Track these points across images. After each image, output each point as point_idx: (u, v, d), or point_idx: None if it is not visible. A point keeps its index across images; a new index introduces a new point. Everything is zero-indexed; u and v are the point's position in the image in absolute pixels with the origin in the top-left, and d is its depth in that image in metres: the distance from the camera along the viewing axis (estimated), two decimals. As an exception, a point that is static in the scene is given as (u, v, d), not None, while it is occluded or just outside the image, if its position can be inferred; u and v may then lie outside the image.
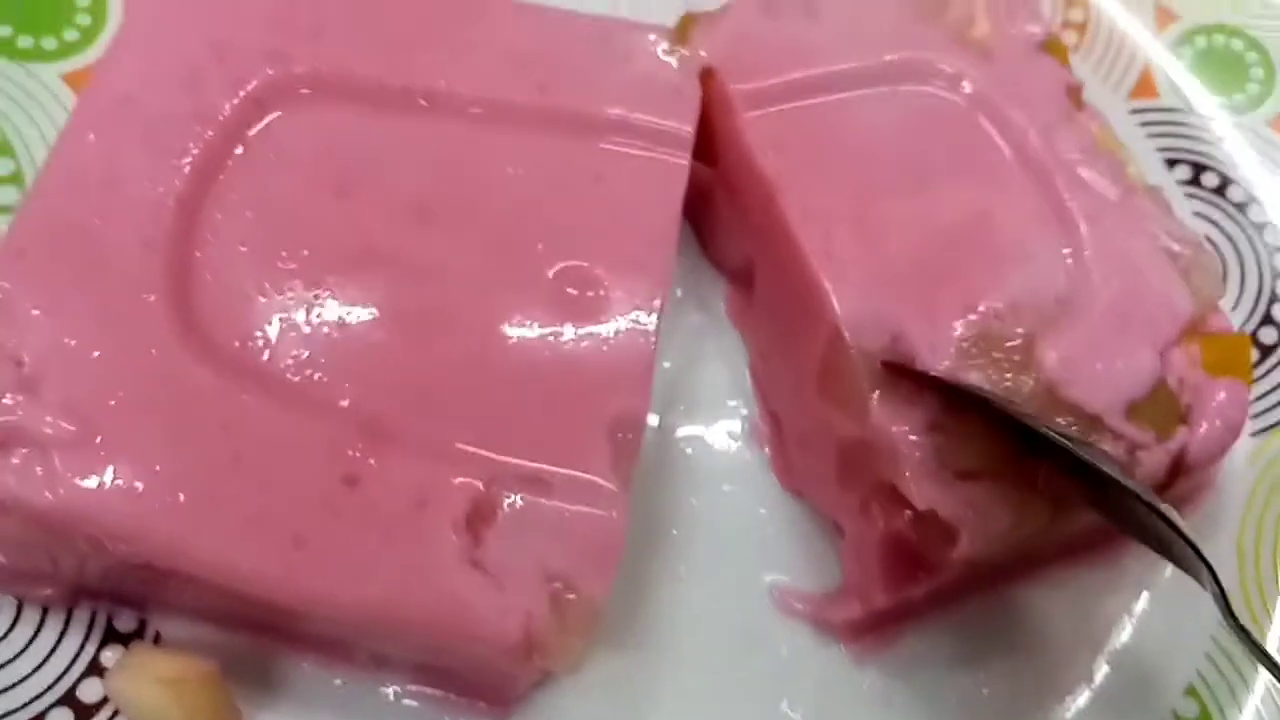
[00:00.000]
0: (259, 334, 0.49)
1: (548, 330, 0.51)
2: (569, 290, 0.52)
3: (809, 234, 0.55)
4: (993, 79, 0.60)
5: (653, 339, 0.51)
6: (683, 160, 0.56)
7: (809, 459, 0.58)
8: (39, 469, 0.45)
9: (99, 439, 0.46)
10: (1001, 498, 0.51)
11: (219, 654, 0.51)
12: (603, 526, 0.47)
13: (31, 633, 0.52)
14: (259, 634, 0.52)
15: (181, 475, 0.46)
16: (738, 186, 0.59)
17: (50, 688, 0.51)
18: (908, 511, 0.52)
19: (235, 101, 0.53)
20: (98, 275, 0.49)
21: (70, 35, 0.63)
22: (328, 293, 0.50)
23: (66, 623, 0.52)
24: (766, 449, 0.60)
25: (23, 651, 0.51)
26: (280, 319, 0.49)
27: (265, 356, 0.49)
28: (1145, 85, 0.71)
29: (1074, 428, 0.52)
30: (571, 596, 0.46)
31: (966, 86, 0.60)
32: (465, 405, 0.49)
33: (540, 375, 0.50)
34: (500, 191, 0.54)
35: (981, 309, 0.54)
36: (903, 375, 0.51)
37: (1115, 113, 0.69)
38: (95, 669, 0.51)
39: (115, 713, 0.51)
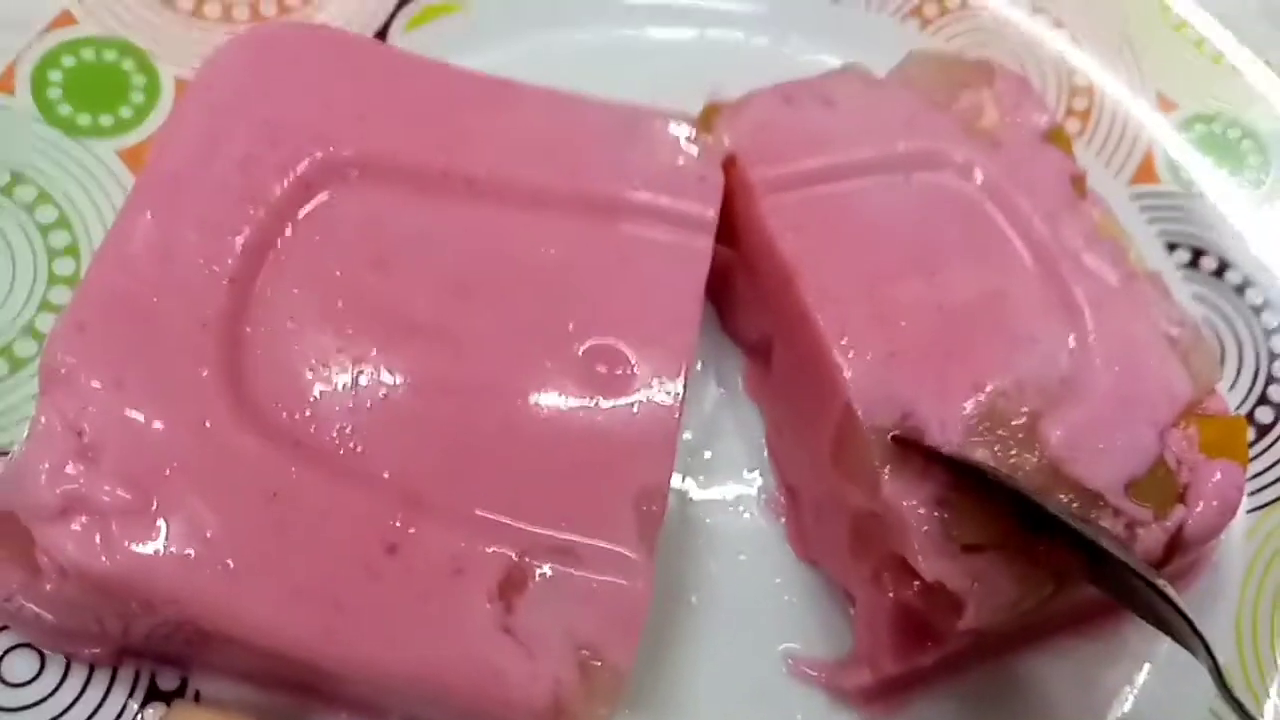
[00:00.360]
0: (306, 406, 0.51)
1: (577, 405, 0.53)
2: (598, 368, 0.54)
3: (825, 314, 0.57)
4: (1000, 167, 0.62)
5: (676, 415, 0.54)
6: (705, 244, 0.58)
7: (823, 529, 0.60)
8: (97, 536, 0.47)
9: (154, 507, 0.48)
10: (1006, 570, 0.52)
11: (257, 713, 0.53)
12: (628, 596, 0.50)
13: (79, 689, 0.54)
14: (296, 694, 0.54)
15: (231, 542, 0.48)
16: (757, 267, 0.62)
17: None
18: (916, 582, 0.53)
19: (286, 183, 0.56)
20: (154, 350, 0.51)
21: (125, 112, 0.66)
22: (370, 367, 0.53)
23: (111, 680, 0.54)
24: (782, 519, 0.62)
25: (70, 708, 0.53)
26: (326, 392, 0.52)
27: (312, 428, 0.51)
28: (1146, 170, 0.73)
29: (1075, 504, 0.54)
30: (598, 664, 0.48)
31: (976, 175, 0.62)
32: (499, 477, 0.51)
33: (570, 448, 0.53)
34: (534, 271, 0.56)
35: (989, 388, 0.56)
36: (913, 450, 0.54)
37: (1117, 197, 0.72)
38: (139, 726, 0.54)
39: None
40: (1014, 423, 0.56)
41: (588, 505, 0.51)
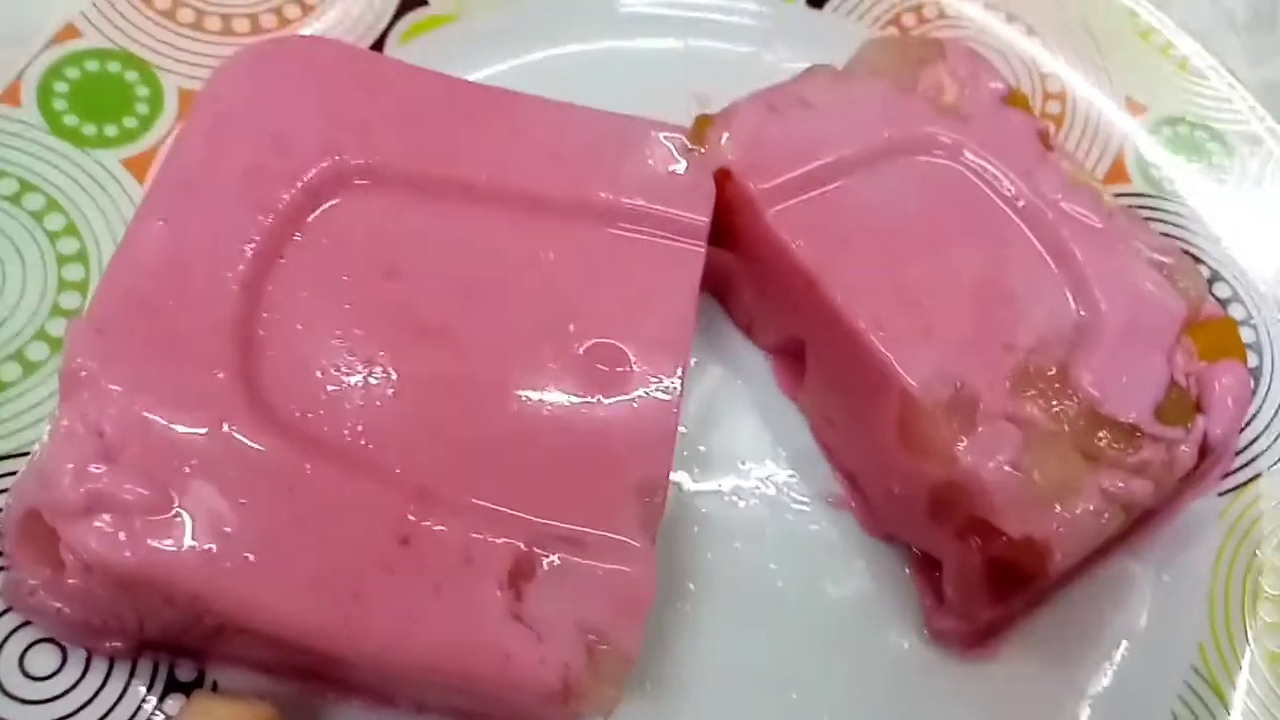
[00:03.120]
0: (319, 405, 0.53)
1: (580, 402, 0.55)
2: (598, 365, 0.56)
3: (857, 312, 0.60)
4: (974, 138, 0.66)
5: (675, 409, 0.56)
6: (699, 248, 0.60)
7: (896, 506, 0.63)
8: (120, 533, 0.48)
9: (175, 504, 0.49)
10: (1085, 516, 0.56)
11: (273, 701, 0.54)
12: (633, 583, 0.51)
13: (100, 682, 0.55)
14: (311, 683, 0.56)
15: (250, 537, 0.49)
16: (771, 275, 0.64)
17: None
18: (1004, 537, 0.57)
19: (294, 191, 0.57)
20: (170, 353, 0.52)
21: (129, 123, 0.67)
22: (379, 367, 0.54)
23: (131, 673, 0.55)
24: (851, 505, 0.65)
25: (92, 699, 0.55)
26: (337, 391, 0.53)
27: (325, 426, 0.52)
28: (1118, 171, 0.76)
29: (1115, 442, 0.58)
30: (605, 648, 0.50)
31: (955, 149, 0.66)
32: (506, 470, 0.53)
33: (573, 443, 0.54)
34: (534, 274, 0.58)
35: (1019, 347, 0.60)
36: None
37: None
38: (159, 715, 0.55)
39: None
40: (1049, 373, 0.59)
41: (592, 497, 0.53)
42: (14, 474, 0.57)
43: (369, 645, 0.49)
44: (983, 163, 0.65)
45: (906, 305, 0.60)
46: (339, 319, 0.55)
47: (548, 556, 0.51)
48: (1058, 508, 0.56)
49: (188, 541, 0.49)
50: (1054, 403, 0.58)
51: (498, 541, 0.51)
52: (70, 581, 0.50)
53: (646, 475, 0.54)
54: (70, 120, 0.66)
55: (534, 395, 0.55)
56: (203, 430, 0.51)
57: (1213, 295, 0.72)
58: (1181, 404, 0.60)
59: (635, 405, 0.56)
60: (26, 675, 0.55)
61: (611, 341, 0.57)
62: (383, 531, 0.50)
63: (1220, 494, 0.67)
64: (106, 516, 0.49)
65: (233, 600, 0.49)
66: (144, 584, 0.49)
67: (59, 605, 0.53)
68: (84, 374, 0.51)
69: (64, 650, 0.55)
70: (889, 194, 0.64)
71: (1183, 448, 0.59)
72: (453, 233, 0.58)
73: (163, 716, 0.55)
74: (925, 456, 0.58)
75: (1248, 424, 0.68)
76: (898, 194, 0.64)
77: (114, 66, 0.68)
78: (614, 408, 0.55)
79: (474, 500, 0.52)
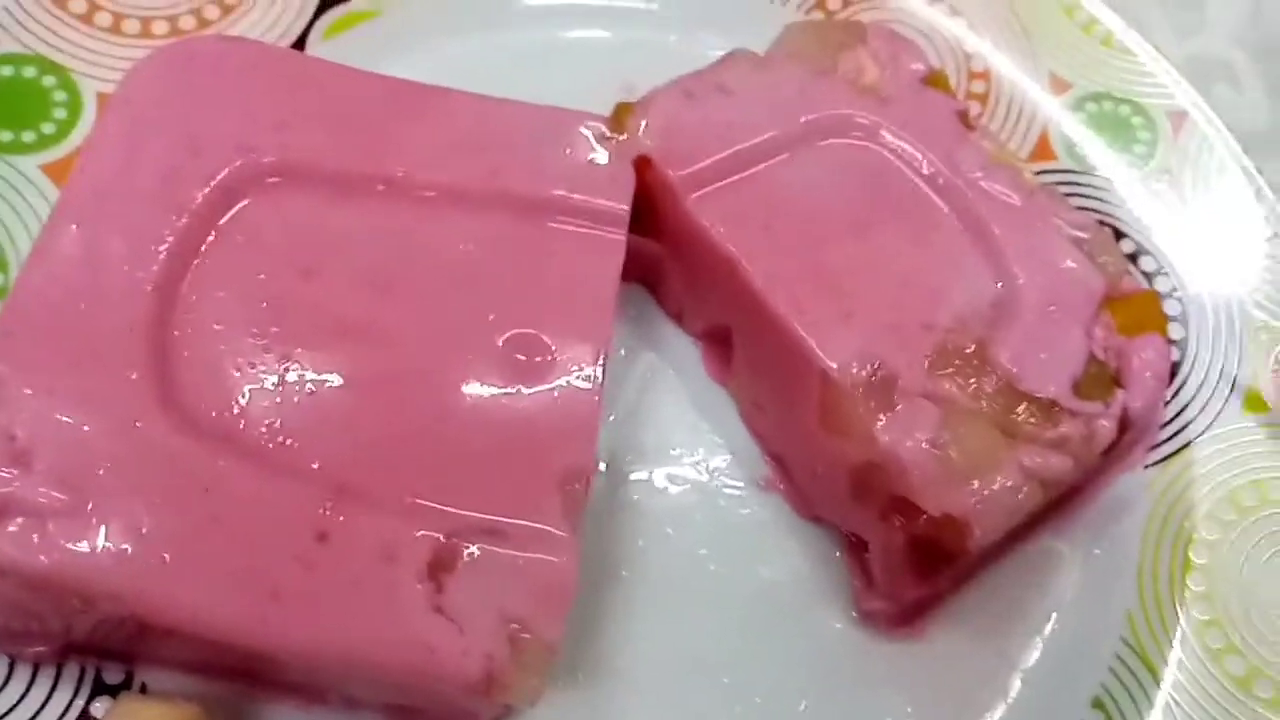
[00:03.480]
0: (235, 404, 0.53)
1: (500, 392, 0.55)
2: (518, 356, 0.56)
3: (777, 295, 0.60)
4: (893, 119, 0.66)
5: (597, 398, 0.56)
6: (619, 236, 0.60)
7: (821, 487, 0.63)
8: (35, 536, 0.48)
9: (89, 506, 0.49)
10: (1003, 492, 0.57)
11: (202, 701, 0.54)
12: (555, 571, 0.51)
13: (24, 687, 0.55)
14: (238, 682, 0.56)
15: (166, 536, 0.49)
16: (694, 262, 0.64)
17: None
18: (924, 516, 0.57)
19: (207, 191, 0.57)
20: (83, 355, 0.52)
21: (47, 128, 0.66)
22: (297, 364, 0.54)
23: (57, 677, 0.55)
24: (781, 488, 0.66)
25: (16, 705, 0.54)
26: (254, 390, 0.53)
27: (241, 425, 0.52)
28: (1043, 149, 0.77)
29: (1033, 417, 0.59)
30: (527, 637, 0.50)
31: (873, 131, 0.66)
32: (426, 464, 0.53)
33: (495, 434, 0.54)
34: (454, 267, 0.58)
35: (938, 325, 0.60)
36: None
37: (1016, 175, 0.76)
38: (86, 719, 0.55)
39: None
40: (967, 351, 0.60)
41: (514, 487, 0.53)
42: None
43: (289, 642, 0.50)
44: (901, 143, 0.66)
45: (827, 288, 0.61)
46: (256, 318, 0.55)
47: (469, 548, 0.51)
48: (976, 484, 0.57)
49: (102, 543, 0.49)
50: (972, 380, 0.59)
51: (417, 534, 0.51)
52: None
53: (569, 464, 0.54)
54: None
55: (454, 387, 0.55)
56: (115, 432, 0.51)
57: (1138, 269, 0.73)
58: (1100, 379, 0.61)
59: (556, 395, 0.56)
60: None
61: (531, 332, 0.57)
62: (300, 528, 0.51)
63: (1148, 465, 0.68)
64: (20, 520, 0.49)
65: (150, 601, 0.49)
66: (60, 587, 0.49)
67: None
68: None
69: None
70: (809, 178, 0.64)
71: (1102, 422, 0.59)
72: (370, 229, 0.59)
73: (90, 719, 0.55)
74: (845, 437, 0.59)
75: (1173, 396, 0.69)
76: (817, 177, 0.64)
77: (29, 71, 0.68)
78: (535, 398, 0.56)
79: (393, 494, 0.52)
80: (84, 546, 0.49)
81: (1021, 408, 0.59)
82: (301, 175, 0.59)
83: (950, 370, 0.59)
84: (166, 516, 0.50)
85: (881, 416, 0.58)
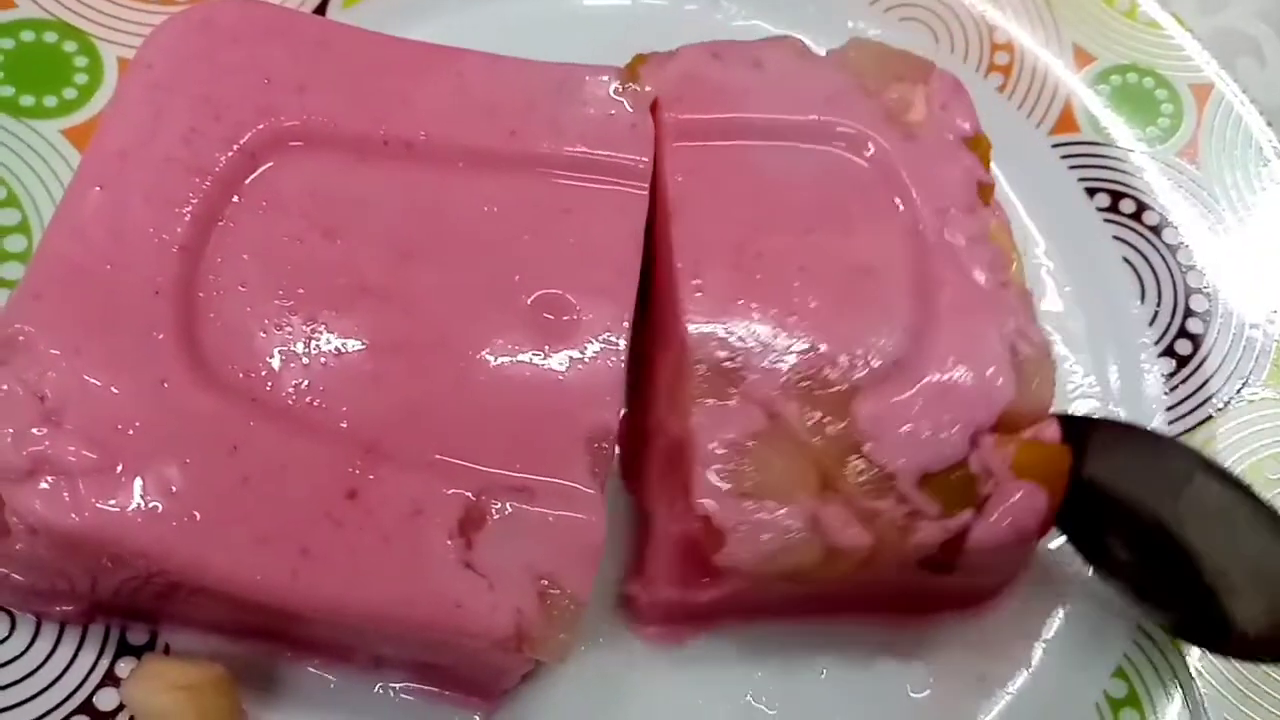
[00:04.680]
0: (261, 365, 0.53)
1: (527, 352, 0.56)
2: (545, 315, 0.57)
3: (685, 254, 0.60)
4: (907, 156, 0.65)
5: (623, 357, 0.56)
6: (642, 190, 0.61)
7: (641, 456, 0.63)
8: (65, 494, 0.49)
9: (119, 466, 0.50)
10: (776, 524, 0.55)
11: (226, 663, 0.55)
12: (584, 528, 0.52)
13: (50, 647, 0.56)
14: (264, 641, 0.57)
15: (196, 496, 0.50)
16: (652, 207, 0.63)
17: (69, 697, 0.55)
18: (693, 512, 0.55)
19: (230, 154, 0.58)
20: (110, 317, 0.53)
21: (69, 93, 0.68)
22: (322, 326, 0.55)
23: (82, 637, 0.56)
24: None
25: (43, 664, 0.56)
26: (280, 351, 0.54)
27: (268, 385, 0.53)
28: (1066, 121, 0.78)
29: (864, 482, 0.56)
30: (557, 592, 0.51)
31: (879, 157, 0.65)
32: (454, 423, 0.54)
33: (522, 393, 0.55)
34: (478, 228, 0.59)
35: (820, 351, 0.58)
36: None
37: (1039, 147, 0.76)
38: (111, 679, 0.56)
39: (131, 719, 0.55)
40: (833, 389, 0.58)
41: (541, 445, 0.54)
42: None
43: (320, 599, 0.50)
44: (901, 179, 0.64)
45: (736, 269, 0.60)
46: (280, 280, 0.56)
47: (498, 505, 0.52)
48: (751, 504, 0.55)
49: (133, 502, 0.50)
50: (818, 414, 0.57)
51: (447, 492, 0.52)
52: (17, 546, 0.51)
53: (595, 422, 0.55)
54: (6, 91, 0.67)
55: (481, 347, 0.56)
56: (143, 392, 0.51)
57: (1161, 241, 0.74)
58: (957, 489, 0.57)
59: (583, 354, 0.57)
60: None
61: (557, 291, 0.58)
62: (329, 486, 0.51)
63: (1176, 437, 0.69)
64: (50, 479, 0.50)
65: (180, 559, 0.50)
66: (91, 545, 0.50)
67: (4, 571, 0.54)
68: (21, 339, 0.52)
69: (12, 616, 0.56)
70: (788, 170, 0.64)
71: (927, 523, 0.56)
72: (392, 191, 0.59)
73: (114, 680, 0.56)
74: (674, 409, 0.59)
75: (1197, 368, 0.70)
76: (797, 173, 0.63)
77: (50, 36, 0.69)
78: (561, 357, 0.56)
79: (422, 453, 0.53)
80: (114, 505, 0.49)
81: (854, 464, 0.56)
82: (323, 138, 0.60)
83: (803, 397, 0.57)
84: (196, 475, 0.50)
85: (708, 401, 0.56)
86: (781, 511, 0.55)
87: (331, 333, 0.55)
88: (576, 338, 0.57)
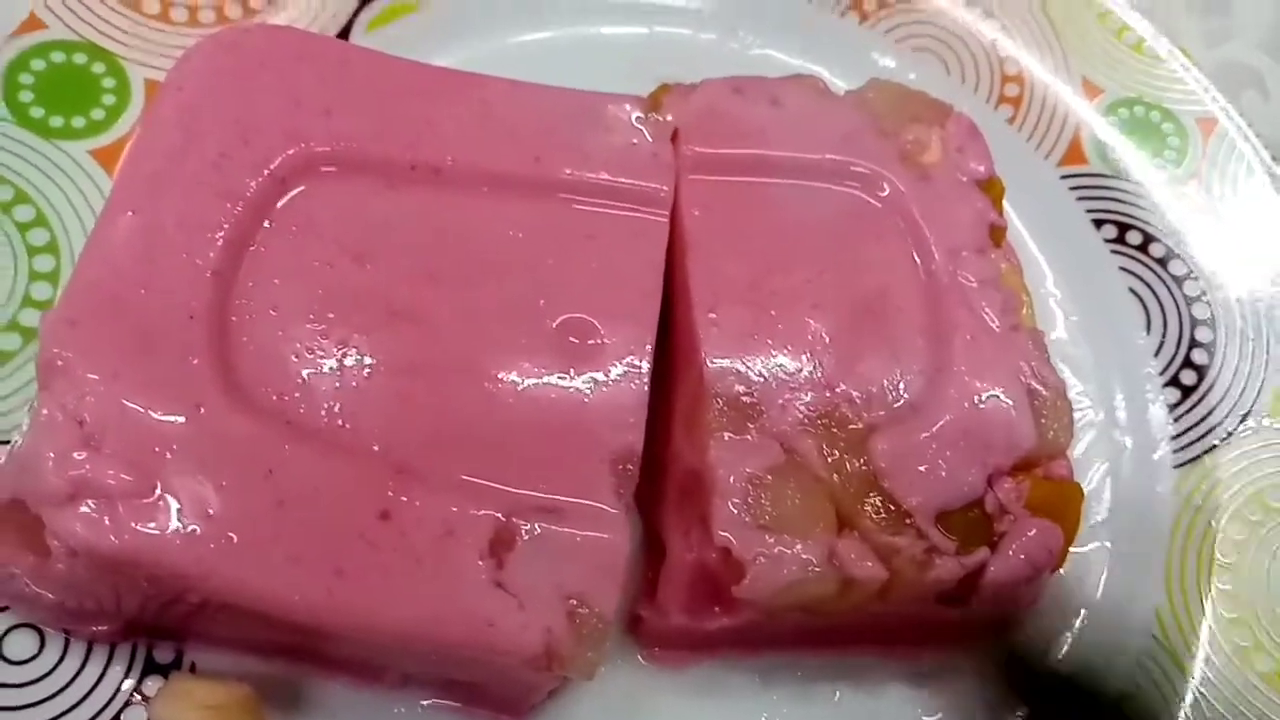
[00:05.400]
0: (295, 388, 0.55)
1: (552, 375, 0.58)
2: (570, 339, 0.59)
3: (701, 287, 0.62)
4: (920, 197, 0.67)
5: (646, 380, 0.58)
6: (663, 218, 0.63)
7: (654, 482, 0.64)
8: (105, 518, 0.51)
9: (157, 488, 0.51)
10: (794, 558, 0.56)
11: (252, 682, 0.56)
12: (609, 548, 0.54)
13: (78, 665, 0.57)
14: (293, 660, 0.58)
15: (232, 518, 0.51)
16: (672, 239, 0.65)
17: (96, 716, 0.57)
18: (712, 543, 0.57)
19: (261, 179, 0.59)
20: (145, 341, 0.54)
21: (97, 114, 0.69)
22: (354, 349, 0.57)
23: (110, 656, 0.58)
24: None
25: (70, 683, 0.57)
26: (312, 374, 0.56)
27: (301, 409, 0.54)
28: (1075, 153, 0.80)
29: (883, 518, 0.58)
30: (585, 611, 0.53)
31: (893, 197, 0.67)
32: (483, 444, 0.56)
33: (548, 415, 0.57)
34: (503, 253, 0.61)
35: (837, 390, 0.60)
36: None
37: (1047, 179, 0.78)
38: (138, 698, 0.57)
39: None
40: (850, 427, 0.60)
41: (568, 467, 0.56)
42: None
43: (352, 618, 0.52)
44: (915, 220, 0.66)
45: (752, 306, 0.62)
46: (311, 304, 0.58)
47: (527, 525, 0.54)
48: (771, 539, 0.56)
49: (171, 524, 0.51)
50: (836, 452, 0.59)
51: (478, 513, 0.54)
52: (58, 567, 0.52)
53: (620, 444, 0.57)
54: (36, 112, 0.68)
55: (508, 371, 0.58)
56: (180, 416, 0.53)
57: (1168, 273, 0.76)
58: (973, 526, 0.59)
59: (607, 377, 0.58)
60: (4, 659, 0.57)
61: (582, 316, 0.60)
62: (362, 507, 0.53)
63: (1176, 466, 0.71)
64: (91, 502, 0.51)
65: (218, 579, 0.51)
66: (130, 567, 0.51)
67: (42, 591, 0.55)
68: (60, 364, 0.53)
69: (42, 635, 0.58)
70: (804, 208, 0.66)
71: (944, 560, 0.58)
72: (420, 215, 0.61)
73: (141, 698, 0.57)
74: (690, 438, 0.60)
75: (1202, 399, 0.72)
76: (812, 212, 0.66)
77: (80, 58, 0.71)
78: (587, 380, 0.58)
79: (452, 475, 0.54)
80: (152, 528, 0.51)
81: (873, 500, 0.58)
82: (353, 163, 0.61)
83: (820, 433, 0.59)
84: (232, 498, 0.52)
85: (725, 435, 0.58)
86: (800, 545, 0.57)
87: (363, 355, 0.57)
88: (600, 361, 0.59)
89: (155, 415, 0.53)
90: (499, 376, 0.57)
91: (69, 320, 0.55)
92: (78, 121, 0.69)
